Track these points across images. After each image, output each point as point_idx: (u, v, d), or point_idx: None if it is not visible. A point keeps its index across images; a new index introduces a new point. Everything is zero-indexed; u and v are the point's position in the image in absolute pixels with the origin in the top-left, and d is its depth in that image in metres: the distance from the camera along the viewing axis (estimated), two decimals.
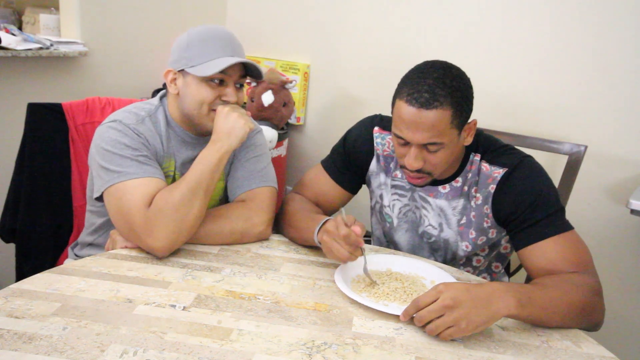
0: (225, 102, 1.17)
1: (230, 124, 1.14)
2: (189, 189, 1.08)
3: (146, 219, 1.05)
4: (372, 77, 2.44)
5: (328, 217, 1.08)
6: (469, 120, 1.09)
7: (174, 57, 1.17)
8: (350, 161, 1.29)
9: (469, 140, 1.12)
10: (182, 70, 1.16)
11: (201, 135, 1.23)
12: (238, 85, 1.19)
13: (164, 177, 1.14)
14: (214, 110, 1.17)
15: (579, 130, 1.93)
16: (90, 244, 1.31)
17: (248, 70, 1.20)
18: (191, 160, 1.19)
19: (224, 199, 1.31)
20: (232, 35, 1.18)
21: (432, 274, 1.10)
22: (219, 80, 1.15)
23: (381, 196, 1.29)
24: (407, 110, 1.03)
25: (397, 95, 1.07)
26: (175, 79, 1.18)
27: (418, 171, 1.09)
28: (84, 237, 1.33)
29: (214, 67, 1.12)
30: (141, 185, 1.08)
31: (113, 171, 1.09)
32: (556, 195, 1.10)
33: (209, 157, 1.12)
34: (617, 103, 1.86)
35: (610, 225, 1.92)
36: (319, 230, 1.08)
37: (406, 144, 1.07)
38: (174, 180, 1.22)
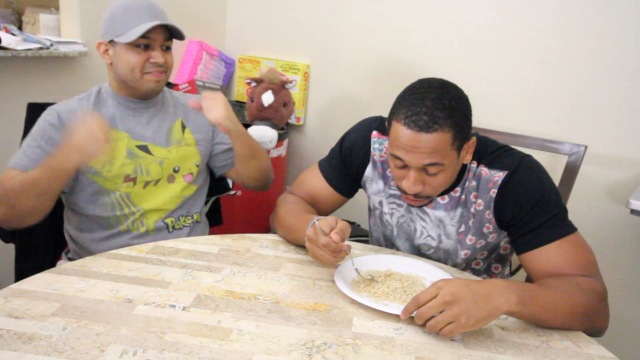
0: (155, 64, 1.26)
1: (85, 143, 1.09)
2: (20, 184, 1.12)
3: None
4: (372, 77, 2.44)
5: (318, 217, 1.04)
6: (469, 139, 1.06)
7: (102, 30, 1.27)
8: (347, 164, 1.27)
9: (467, 159, 1.10)
10: (112, 41, 1.26)
11: (143, 99, 1.33)
12: (164, 48, 1.29)
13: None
14: (148, 72, 1.27)
15: (579, 130, 1.93)
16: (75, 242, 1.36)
17: (173, 34, 1.29)
18: (146, 120, 1.33)
19: (202, 180, 1.43)
20: (152, 1, 1.28)
21: (432, 274, 1.10)
22: (144, 45, 1.25)
23: (380, 203, 1.26)
24: (405, 133, 0.99)
25: (394, 116, 1.03)
26: (107, 50, 1.28)
27: (416, 195, 1.07)
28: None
29: (136, 32, 1.22)
30: (9, 173, 1.18)
31: (14, 157, 1.22)
32: (558, 195, 1.08)
33: (52, 165, 1.12)
34: (617, 103, 1.86)
35: (610, 225, 1.92)
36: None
37: (404, 166, 1.05)
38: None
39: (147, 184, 1.32)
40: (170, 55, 1.31)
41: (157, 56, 1.26)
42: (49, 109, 1.27)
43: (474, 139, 1.08)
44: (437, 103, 0.98)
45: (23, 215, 1.15)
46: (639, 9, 1.77)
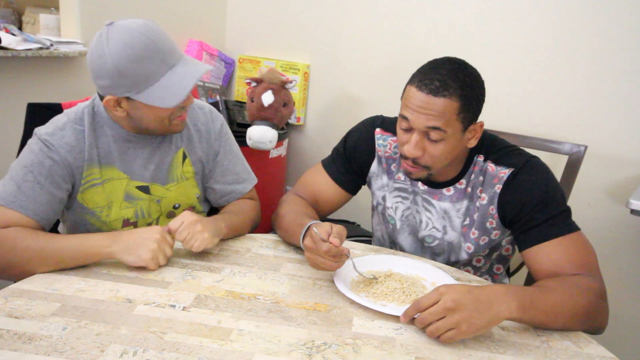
0: (184, 107, 1.12)
1: (138, 242, 1.02)
2: (40, 249, 1.00)
3: None
4: (372, 77, 2.44)
5: (313, 222, 1.04)
6: (477, 121, 1.09)
7: (104, 82, 1.05)
8: (351, 162, 1.29)
9: (472, 143, 1.12)
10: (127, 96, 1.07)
11: (148, 133, 1.17)
12: None
13: (37, 206, 1.06)
14: (176, 117, 1.13)
15: (579, 130, 1.93)
16: None
17: None
18: (146, 159, 1.19)
19: (202, 205, 1.33)
20: (159, 35, 1.05)
21: (432, 275, 1.10)
22: None
23: (384, 198, 1.28)
24: (416, 94, 1.04)
25: (410, 81, 1.08)
26: (118, 103, 1.08)
27: (415, 162, 1.09)
28: None
29: (171, 96, 1.05)
30: (4, 212, 1.04)
31: (0, 190, 1.06)
32: (562, 196, 1.10)
33: (90, 245, 1.02)
34: (617, 103, 1.86)
35: (610, 225, 1.92)
36: (303, 237, 1.05)
37: (409, 130, 1.08)
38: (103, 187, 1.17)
39: (149, 225, 1.24)
40: None
41: (188, 99, 1.12)
42: (42, 139, 1.10)
43: (481, 123, 1.11)
44: (452, 74, 1.03)
45: (18, 275, 0.99)
46: (639, 9, 1.77)
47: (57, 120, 1.14)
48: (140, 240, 1.02)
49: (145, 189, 1.21)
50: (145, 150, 1.19)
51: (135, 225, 1.22)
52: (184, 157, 1.25)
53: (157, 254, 1.02)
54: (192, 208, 1.30)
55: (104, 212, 1.18)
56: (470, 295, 0.86)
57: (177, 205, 1.27)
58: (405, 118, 1.07)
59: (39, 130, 1.12)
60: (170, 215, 1.27)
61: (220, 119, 1.31)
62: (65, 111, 1.18)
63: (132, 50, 1.02)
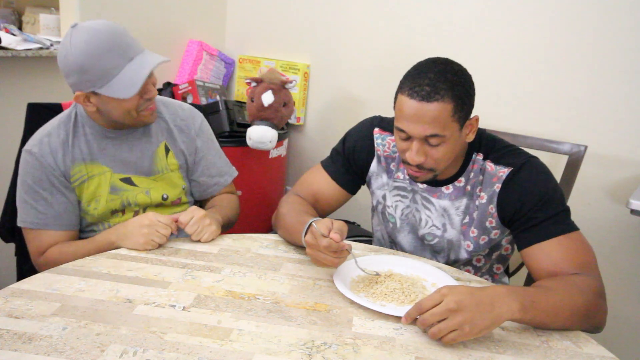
0: (150, 98, 1.20)
1: (132, 231, 1.13)
2: (72, 257, 1.10)
3: (39, 266, 1.21)
4: (372, 77, 2.44)
5: (314, 219, 1.04)
6: (471, 116, 1.09)
7: (72, 80, 1.13)
8: (350, 162, 1.29)
9: (470, 137, 1.12)
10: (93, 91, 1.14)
11: (124, 128, 1.25)
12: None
13: (61, 218, 1.21)
14: (143, 109, 1.20)
15: (579, 130, 1.93)
16: None
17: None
18: (127, 152, 1.25)
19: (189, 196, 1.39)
20: (118, 33, 1.13)
21: (432, 276, 1.09)
22: None
23: (384, 197, 1.28)
24: (408, 103, 1.03)
25: (399, 90, 1.07)
26: (88, 99, 1.16)
27: (419, 166, 1.09)
28: None
29: (129, 87, 1.12)
30: (35, 237, 1.21)
31: (20, 212, 1.21)
32: (562, 195, 1.10)
33: (103, 245, 1.16)
34: (617, 103, 1.86)
35: (610, 225, 1.92)
36: (305, 234, 1.05)
37: (408, 138, 1.08)
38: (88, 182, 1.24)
39: (136, 213, 1.29)
40: (153, 75, 1.20)
41: (150, 91, 1.19)
42: (28, 151, 1.19)
43: (476, 117, 1.11)
44: (439, 76, 1.03)
45: None
46: (638, 9, 1.77)
47: (43, 129, 1.24)
48: (133, 228, 1.13)
49: (128, 181, 1.27)
50: (124, 145, 1.26)
51: (123, 212, 1.28)
52: (167, 150, 1.32)
53: (149, 237, 1.12)
54: (178, 200, 1.35)
55: (92, 206, 1.25)
56: (472, 297, 0.86)
57: (165, 196, 1.32)
58: (402, 130, 1.07)
59: (26, 145, 1.21)
60: (159, 206, 1.32)
61: (200, 117, 1.39)
62: (54, 117, 1.27)
63: (91, 47, 1.09)
